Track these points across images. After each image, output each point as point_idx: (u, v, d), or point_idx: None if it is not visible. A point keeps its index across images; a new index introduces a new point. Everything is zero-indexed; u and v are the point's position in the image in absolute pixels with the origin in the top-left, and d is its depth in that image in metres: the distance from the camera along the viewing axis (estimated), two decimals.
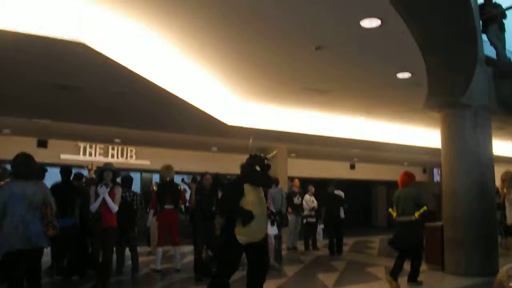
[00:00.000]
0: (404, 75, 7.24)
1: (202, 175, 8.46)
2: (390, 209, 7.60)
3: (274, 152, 6.05)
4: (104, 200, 6.69)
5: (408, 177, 7.51)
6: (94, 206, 6.74)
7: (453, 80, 7.55)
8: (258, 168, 5.28)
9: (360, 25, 5.29)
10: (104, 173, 6.87)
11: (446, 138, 8.86)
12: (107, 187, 6.76)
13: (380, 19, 5.11)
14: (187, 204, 8.71)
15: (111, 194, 6.78)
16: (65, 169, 7.91)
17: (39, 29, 4.83)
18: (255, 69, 7.50)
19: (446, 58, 6.44)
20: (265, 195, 5.67)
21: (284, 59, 6.93)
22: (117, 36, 5.80)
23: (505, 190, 6.97)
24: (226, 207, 5.39)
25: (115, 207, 6.75)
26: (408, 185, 7.41)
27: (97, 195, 6.74)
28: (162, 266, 8.49)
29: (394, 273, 7.02)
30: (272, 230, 8.49)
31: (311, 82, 8.09)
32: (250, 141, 5.71)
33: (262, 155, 5.49)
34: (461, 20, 5.39)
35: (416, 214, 7.07)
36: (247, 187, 5.19)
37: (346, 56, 6.62)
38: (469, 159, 8.38)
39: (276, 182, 9.65)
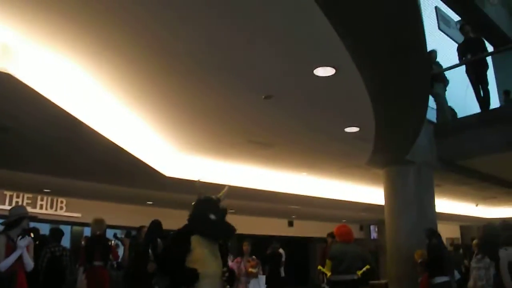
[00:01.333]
0: (352, 129, 7.11)
1: (139, 228, 7.85)
2: (320, 267, 7.07)
3: (225, 187, 4.74)
4: (21, 256, 5.02)
5: (350, 232, 7.05)
6: (6, 263, 4.89)
7: (400, 137, 7.53)
8: (212, 216, 4.29)
9: (313, 73, 5.10)
10: (24, 221, 5.26)
11: (389, 194, 8.80)
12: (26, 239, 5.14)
13: (334, 68, 4.95)
14: (119, 261, 8.05)
15: (27, 248, 5.15)
16: None
17: None
18: (197, 120, 7.18)
19: (396, 114, 6.38)
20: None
21: (228, 110, 6.65)
22: (47, 74, 5.34)
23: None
24: (166, 266, 4.35)
25: (32, 264, 5.22)
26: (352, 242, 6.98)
27: (10, 248, 4.97)
28: None
29: None
30: None
31: (255, 135, 7.83)
32: (197, 180, 4.68)
33: (214, 197, 4.49)
34: (417, 76, 5.35)
35: (359, 273, 6.59)
36: (195, 240, 4.23)
37: (296, 107, 6.41)
38: (413, 215, 8.32)
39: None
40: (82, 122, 6.16)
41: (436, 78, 8.62)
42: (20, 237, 5.10)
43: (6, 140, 7.22)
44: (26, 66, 4.95)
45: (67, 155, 8.23)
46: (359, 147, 8.01)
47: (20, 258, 5.05)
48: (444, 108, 8.96)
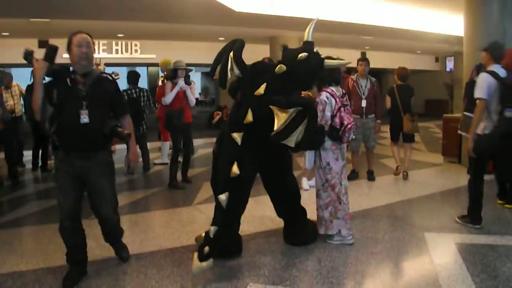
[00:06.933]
0: None
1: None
2: None
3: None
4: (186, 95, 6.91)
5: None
6: (170, 98, 6.76)
7: None
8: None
9: None
10: (179, 71, 6.82)
11: (470, 24, 8.31)
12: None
13: None
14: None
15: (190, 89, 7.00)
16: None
17: None
18: None
19: None
20: None
21: None
22: None
23: None
24: None
25: (194, 101, 7.19)
26: None
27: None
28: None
29: None
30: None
31: None
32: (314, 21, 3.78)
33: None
34: None
35: None
36: None
37: None
38: None
39: None
40: None
41: None
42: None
43: None
44: None
45: None
46: None
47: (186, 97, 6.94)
48: None
